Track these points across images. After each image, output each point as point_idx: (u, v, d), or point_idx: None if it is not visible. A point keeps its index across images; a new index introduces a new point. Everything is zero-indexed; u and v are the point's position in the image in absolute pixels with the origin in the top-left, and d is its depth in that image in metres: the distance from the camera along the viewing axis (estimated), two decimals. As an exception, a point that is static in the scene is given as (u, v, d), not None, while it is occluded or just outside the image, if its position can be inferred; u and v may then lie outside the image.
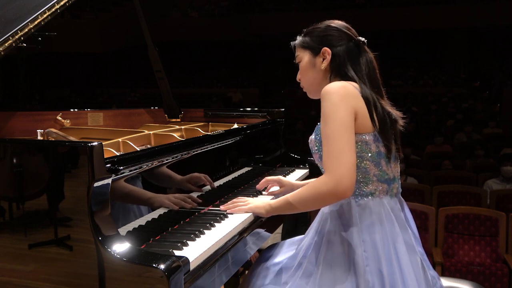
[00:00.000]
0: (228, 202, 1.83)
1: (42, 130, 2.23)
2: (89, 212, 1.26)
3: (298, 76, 1.78)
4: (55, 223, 1.32)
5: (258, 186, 2.10)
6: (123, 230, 1.38)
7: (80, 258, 1.28)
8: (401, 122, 1.64)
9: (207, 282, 1.38)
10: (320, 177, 1.53)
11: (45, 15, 1.90)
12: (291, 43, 1.79)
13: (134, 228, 1.45)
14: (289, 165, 2.70)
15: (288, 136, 5.72)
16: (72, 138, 2.05)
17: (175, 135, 2.18)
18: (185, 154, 1.75)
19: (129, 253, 1.24)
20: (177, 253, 1.34)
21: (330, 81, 1.64)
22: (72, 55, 14.47)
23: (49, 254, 1.31)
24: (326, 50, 1.66)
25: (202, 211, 1.79)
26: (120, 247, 1.25)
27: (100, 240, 1.24)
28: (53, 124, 2.37)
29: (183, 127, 2.48)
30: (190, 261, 1.28)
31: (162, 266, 1.17)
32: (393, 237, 1.54)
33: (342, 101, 1.50)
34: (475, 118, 10.35)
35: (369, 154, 1.55)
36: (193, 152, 1.80)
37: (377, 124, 1.56)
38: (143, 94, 14.79)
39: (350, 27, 1.72)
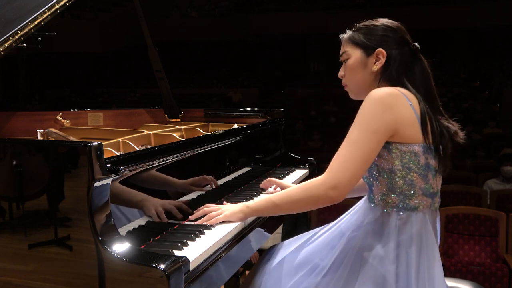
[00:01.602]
0: (198, 213, 1.66)
1: (42, 130, 2.23)
2: (89, 212, 1.25)
3: (341, 73, 1.67)
4: (55, 223, 1.32)
5: (261, 185, 2.08)
6: (123, 230, 1.38)
7: (80, 258, 1.27)
8: (461, 134, 1.54)
9: (207, 282, 1.38)
10: (317, 178, 1.49)
11: (45, 15, 1.90)
12: (340, 36, 1.67)
13: (134, 228, 1.44)
14: (289, 165, 2.70)
15: (288, 136, 5.72)
16: (72, 138, 2.05)
17: (175, 135, 2.18)
18: (185, 154, 1.74)
19: (129, 253, 1.23)
20: (177, 253, 1.34)
21: (379, 86, 1.55)
22: (72, 55, 14.46)
23: (49, 254, 1.31)
24: (381, 51, 1.55)
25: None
26: (120, 247, 1.24)
27: (100, 240, 1.24)
28: (53, 124, 2.37)
29: (183, 127, 2.48)
30: (190, 261, 1.28)
31: (162, 266, 1.17)
32: (429, 257, 1.47)
33: (383, 112, 1.43)
34: (475, 118, 10.35)
35: (417, 166, 1.46)
36: (193, 152, 1.80)
37: (429, 137, 1.47)
38: (143, 94, 14.79)
39: (406, 31, 1.61)
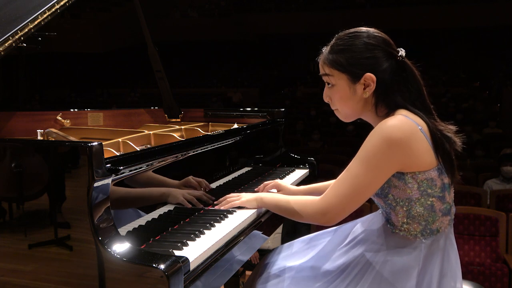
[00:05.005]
0: (221, 199, 1.83)
1: (42, 130, 2.23)
2: (89, 212, 1.26)
3: (327, 98, 1.56)
4: (55, 223, 1.32)
5: (256, 190, 2.05)
6: (123, 230, 1.38)
7: (80, 258, 1.27)
8: (458, 142, 1.48)
9: (207, 282, 1.38)
10: (316, 200, 1.50)
11: (45, 15, 1.90)
12: (317, 59, 1.55)
13: (134, 228, 1.45)
14: (289, 165, 2.70)
15: (288, 136, 5.72)
16: (72, 138, 2.05)
17: (175, 135, 2.18)
18: (185, 154, 1.75)
19: (129, 253, 1.24)
20: (177, 253, 1.34)
21: (377, 110, 1.48)
22: (72, 55, 14.47)
23: (49, 254, 1.31)
24: (371, 77, 1.44)
25: (202, 211, 1.79)
26: (120, 247, 1.25)
27: (100, 240, 1.24)
28: (53, 124, 2.37)
29: (183, 127, 2.48)
30: (190, 261, 1.28)
31: (162, 266, 1.17)
32: (454, 274, 1.46)
33: (389, 149, 1.36)
34: (475, 118, 10.35)
35: (435, 190, 1.42)
36: (193, 152, 1.80)
37: (440, 156, 1.42)
38: (143, 94, 14.80)
39: (388, 39, 1.49)
